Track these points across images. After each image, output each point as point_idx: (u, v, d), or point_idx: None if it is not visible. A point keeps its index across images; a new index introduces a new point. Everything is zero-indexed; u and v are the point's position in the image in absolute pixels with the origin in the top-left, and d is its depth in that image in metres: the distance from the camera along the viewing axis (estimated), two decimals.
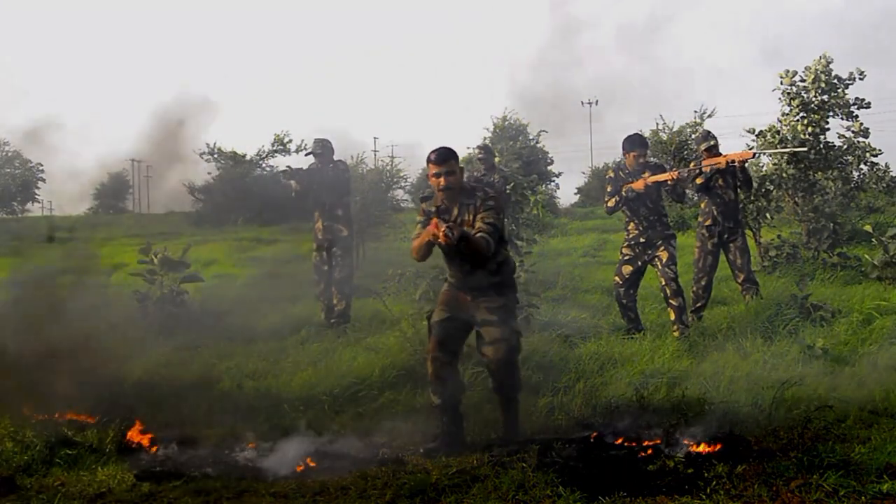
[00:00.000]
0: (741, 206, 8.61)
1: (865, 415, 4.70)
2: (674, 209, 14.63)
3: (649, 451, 4.12)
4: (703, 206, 8.03)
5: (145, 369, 5.92)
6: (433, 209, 4.54)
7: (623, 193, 7.00)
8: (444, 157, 4.48)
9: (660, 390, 5.16)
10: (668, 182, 6.89)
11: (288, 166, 8.19)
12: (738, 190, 8.03)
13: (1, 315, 5.57)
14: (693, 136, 20.61)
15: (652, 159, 8.01)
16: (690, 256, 8.80)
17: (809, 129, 11.55)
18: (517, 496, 3.55)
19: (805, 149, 10.68)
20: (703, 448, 4.12)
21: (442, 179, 4.45)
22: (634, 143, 7.09)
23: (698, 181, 7.82)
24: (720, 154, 7.85)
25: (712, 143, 7.93)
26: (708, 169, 7.75)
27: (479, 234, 4.27)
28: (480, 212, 4.39)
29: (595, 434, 4.43)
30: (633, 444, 4.18)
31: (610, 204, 7.16)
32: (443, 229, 4.04)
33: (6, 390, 4.72)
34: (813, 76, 11.71)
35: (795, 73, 11.90)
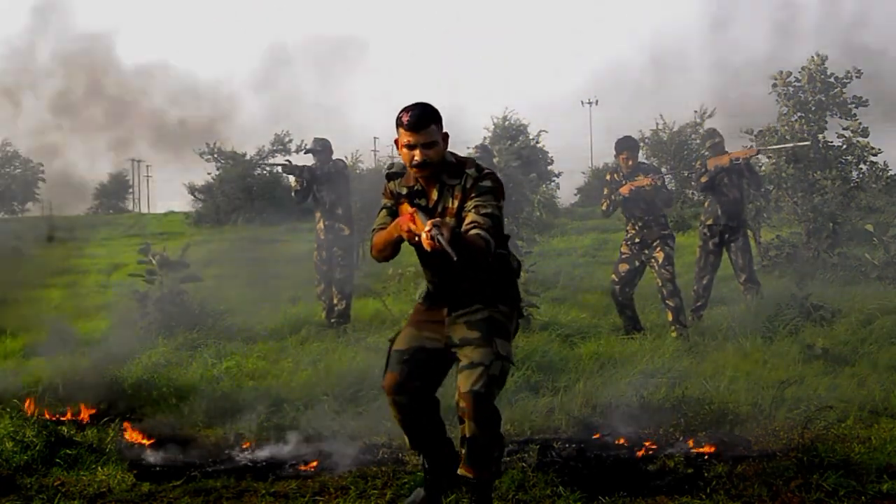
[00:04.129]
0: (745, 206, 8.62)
1: (865, 415, 4.70)
2: (675, 208, 14.62)
3: (649, 452, 4.13)
4: (706, 205, 8.04)
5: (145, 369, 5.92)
6: (403, 191, 3.27)
7: (613, 197, 7.10)
8: (422, 120, 3.11)
9: (660, 390, 5.16)
10: (646, 187, 6.92)
11: (287, 160, 8.25)
12: (744, 189, 8.03)
13: None
14: (693, 136, 20.65)
15: (651, 160, 8.04)
16: (690, 256, 8.81)
17: (807, 129, 11.57)
18: (517, 496, 3.55)
19: (808, 143, 10.70)
20: (703, 448, 4.13)
21: (417, 153, 3.11)
22: (624, 145, 7.14)
23: (703, 180, 7.84)
24: (725, 152, 7.87)
25: (717, 140, 7.97)
26: (712, 167, 7.76)
27: (473, 231, 2.99)
28: (472, 196, 3.11)
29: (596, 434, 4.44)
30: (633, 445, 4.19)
31: (603, 207, 7.32)
32: (426, 230, 2.81)
33: None
34: (807, 76, 11.73)
35: (790, 73, 11.92)
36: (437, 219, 2.91)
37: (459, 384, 3.07)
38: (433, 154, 3.13)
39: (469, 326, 3.18)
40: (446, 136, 3.20)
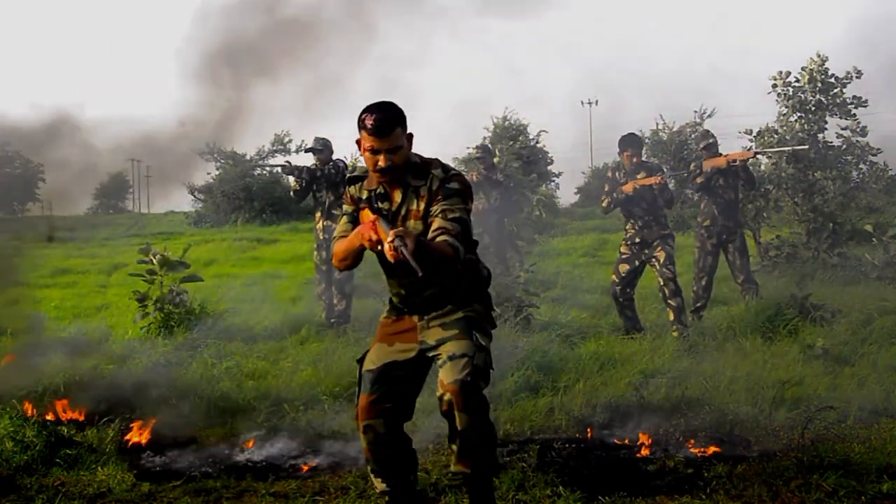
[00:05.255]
0: (740, 206, 8.63)
1: (865, 415, 4.70)
2: (674, 209, 14.62)
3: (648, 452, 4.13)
4: (702, 206, 8.05)
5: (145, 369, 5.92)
6: (364, 194, 3.10)
7: (615, 195, 7.06)
8: (386, 124, 2.91)
9: (660, 390, 5.17)
10: (654, 186, 6.91)
11: (287, 161, 8.26)
12: (740, 190, 8.05)
13: None
14: (693, 136, 20.65)
15: (652, 159, 8.04)
16: (690, 256, 8.82)
17: (806, 128, 11.57)
18: (517, 496, 3.55)
19: (806, 147, 10.71)
20: (702, 448, 4.13)
21: (382, 158, 2.93)
22: (628, 143, 7.11)
23: (698, 181, 7.85)
24: (719, 153, 7.90)
25: (710, 141, 8.00)
26: (708, 169, 7.78)
27: (440, 238, 2.84)
28: (439, 200, 2.94)
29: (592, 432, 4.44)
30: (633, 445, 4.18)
31: (603, 204, 7.26)
32: (389, 240, 2.63)
33: None
34: (808, 77, 11.72)
35: (790, 73, 11.92)
36: (401, 228, 2.78)
37: (442, 378, 2.90)
38: (398, 159, 2.95)
39: (445, 327, 3.04)
40: (411, 136, 3.02)
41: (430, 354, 3.05)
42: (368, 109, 2.95)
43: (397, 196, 3.04)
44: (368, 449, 3.06)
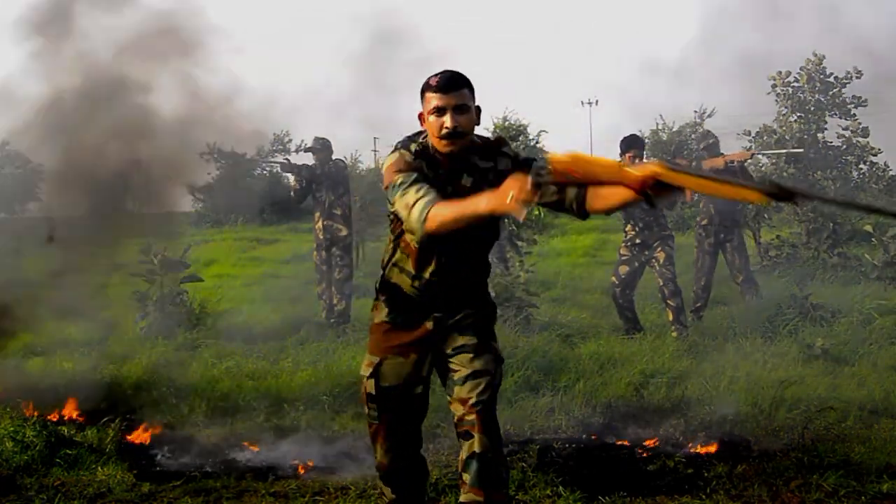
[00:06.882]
0: (740, 206, 8.63)
1: (865, 415, 4.71)
2: (674, 208, 14.62)
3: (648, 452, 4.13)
4: (701, 205, 8.08)
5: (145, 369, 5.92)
6: (431, 172, 2.71)
7: None
8: (454, 80, 2.68)
9: (660, 390, 5.17)
10: None
11: (286, 158, 8.27)
12: None
13: None
14: (693, 136, 20.68)
15: (652, 160, 8.03)
16: (690, 256, 8.82)
17: (805, 129, 11.60)
18: (517, 496, 3.55)
19: (801, 150, 10.73)
20: (702, 448, 4.13)
21: (448, 117, 2.64)
22: (630, 143, 7.10)
23: None
24: (720, 153, 7.91)
25: (711, 141, 8.02)
26: (707, 168, 7.79)
27: None
28: None
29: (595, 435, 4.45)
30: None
31: None
32: (647, 169, 2.24)
33: None
34: (806, 77, 11.74)
35: (789, 73, 11.94)
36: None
37: (462, 395, 2.73)
38: (465, 122, 2.67)
39: (462, 332, 2.84)
40: (479, 109, 2.75)
41: (447, 361, 2.86)
42: (434, 74, 2.74)
43: (466, 182, 2.72)
44: (384, 464, 2.97)
